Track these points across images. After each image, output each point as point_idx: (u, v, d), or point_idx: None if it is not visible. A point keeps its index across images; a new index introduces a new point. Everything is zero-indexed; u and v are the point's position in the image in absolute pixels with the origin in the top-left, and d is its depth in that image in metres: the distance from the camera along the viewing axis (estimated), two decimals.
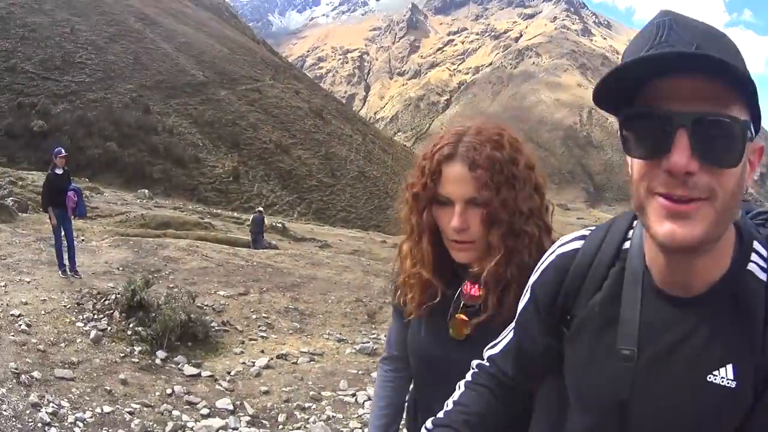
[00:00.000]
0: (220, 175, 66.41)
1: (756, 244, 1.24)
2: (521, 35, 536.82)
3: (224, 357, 8.67)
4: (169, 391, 7.00)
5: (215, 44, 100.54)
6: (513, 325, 1.58)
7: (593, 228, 1.47)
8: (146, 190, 46.25)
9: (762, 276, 1.21)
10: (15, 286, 10.20)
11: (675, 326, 1.25)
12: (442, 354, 1.89)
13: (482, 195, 1.68)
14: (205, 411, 6.71)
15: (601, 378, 1.33)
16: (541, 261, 1.52)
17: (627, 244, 1.36)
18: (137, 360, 7.72)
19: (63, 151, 12.63)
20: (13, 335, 7.86)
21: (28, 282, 10.60)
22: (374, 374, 8.27)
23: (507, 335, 1.60)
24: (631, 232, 1.37)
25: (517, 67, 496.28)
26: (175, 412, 6.52)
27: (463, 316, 1.83)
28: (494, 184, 1.68)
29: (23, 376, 6.73)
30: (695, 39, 1.05)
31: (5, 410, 5.82)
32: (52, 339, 8.19)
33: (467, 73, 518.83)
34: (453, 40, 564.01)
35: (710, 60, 0.99)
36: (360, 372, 8.69)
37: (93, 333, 8.47)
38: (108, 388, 6.81)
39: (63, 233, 11.81)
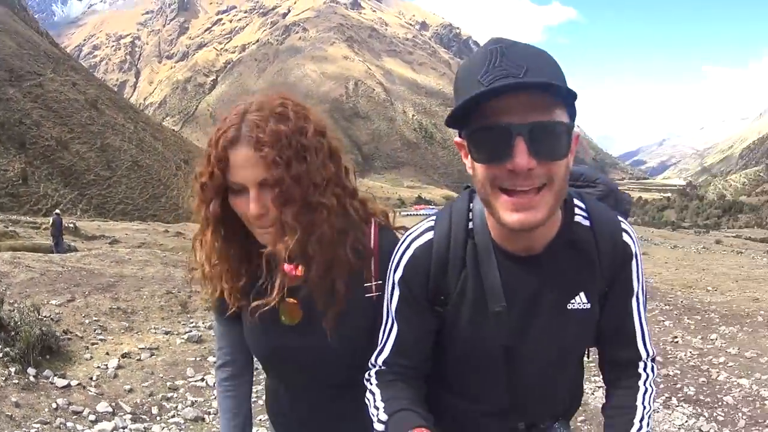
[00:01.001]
0: (11, 179, 66.45)
1: (576, 201, 1.61)
2: (289, 11, 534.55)
3: (79, 364, 8.88)
4: (54, 405, 7.18)
5: (6, 40, 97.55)
6: (389, 325, 1.70)
7: (434, 217, 1.68)
8: None
9: (586, 223, 1.60)
10: None
11: (531, 279, 1.56)
12: (280, 343, 1.86)
13: (273, 174, 1.60)
14: (92, 417, 7.00)
15: (486, 334, 1.60)
16: (397, 257, 1.67)
17: (471, 224, 1.61)
18: (17, 381, 7.77)
19: None
20: None
21: None
22: (211, 359, 8.89)
23: (387, 336, 1.70)
24: (470, 213, 1.61)
25: (283, 43, 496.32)
26: (69, 424, 6.77)
27: (292, 300, 1.79)
28: (284, 161, 1.61)
29: None
30: (524, 61, 1.28)
31: None
32: None
33: (234, 52, 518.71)
34: (221, 20, 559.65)
35: (539, 84, 1.26)
36: (198, 358, 9.22)
37: None
38: (8, 413, 6.89)
39: None
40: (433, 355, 1.74)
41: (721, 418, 6.76)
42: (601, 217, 1.62)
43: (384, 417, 1.60)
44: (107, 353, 9.34)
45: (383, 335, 1.71)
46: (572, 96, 1.32)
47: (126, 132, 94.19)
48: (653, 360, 1.77)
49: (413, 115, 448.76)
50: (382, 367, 1.71)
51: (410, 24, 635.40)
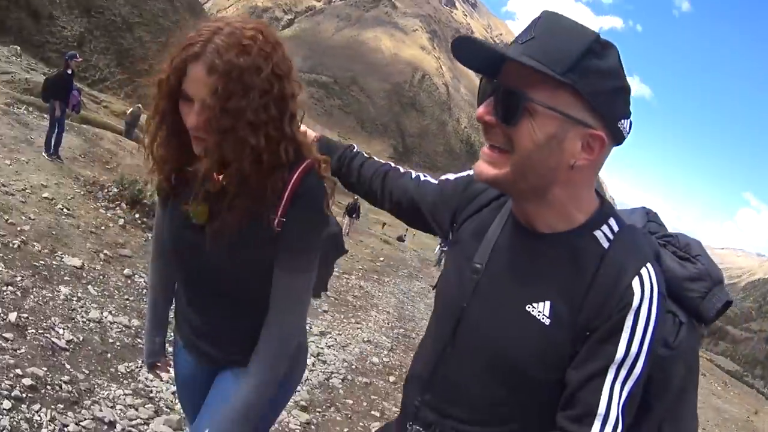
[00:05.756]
0: (67, 39, 61.32)
1: (612, 220, 1.49)
2: None
3: None
4: None
5: None
6: (424, 178, 1.97)
7: None
8: (17, 47, 40.50)
9: (605, 244, 1.45)
10: (18, 166, 10.60)
11: (517, 251, 1.54)
12: (185, 237, 1.96)
13: (211, 99, 1.66)
14: None
15: (455, 284, 1.63)
16: (466, 172, 1.81)
17: None
18: None
19: (78, 56, 14.61)
20: (64, 218, 8.71)
21: (26, 162, 11.05)
22: None
23: (424, 179, 1.98)
24: None
25: (369, 11, 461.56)
26: None
27: (204, 203, 1.87)
28: (225, 92, 1.66)
29: (101, 254, 7.91)
30: (538, 32, 1.34)
31: (111, 284, 7.09)
32: (93, 223, 9.11)
33: (319, 0, 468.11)
34: None
35: (500, 54, 1.35)
36: None
37: (121, 221, 9.84)
38: None
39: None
40: None
41: None
42: (623, 247, 1.45)
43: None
44: None
45: (420, 176, 1.98)
46: (568, 82, 1.32)
47: None
48: None
49: (465, 127, 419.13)
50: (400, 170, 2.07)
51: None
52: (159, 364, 2.43)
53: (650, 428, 1.49)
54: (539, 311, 1.44)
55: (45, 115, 16.44)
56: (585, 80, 1.32)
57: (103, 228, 9.26)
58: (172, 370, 2.41)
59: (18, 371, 4.33)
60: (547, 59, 1.30)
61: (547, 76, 1.30)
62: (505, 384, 1.51)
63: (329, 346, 8.54)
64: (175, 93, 1.75)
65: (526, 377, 1.46)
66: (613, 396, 1.36)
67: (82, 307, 6.08)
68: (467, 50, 1.42)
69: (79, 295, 6.35)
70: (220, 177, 1.81)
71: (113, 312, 6.29)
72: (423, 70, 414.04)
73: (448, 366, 1.62)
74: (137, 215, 10.60)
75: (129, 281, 7.50)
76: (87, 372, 4.84)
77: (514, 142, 1.37)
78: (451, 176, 1.90)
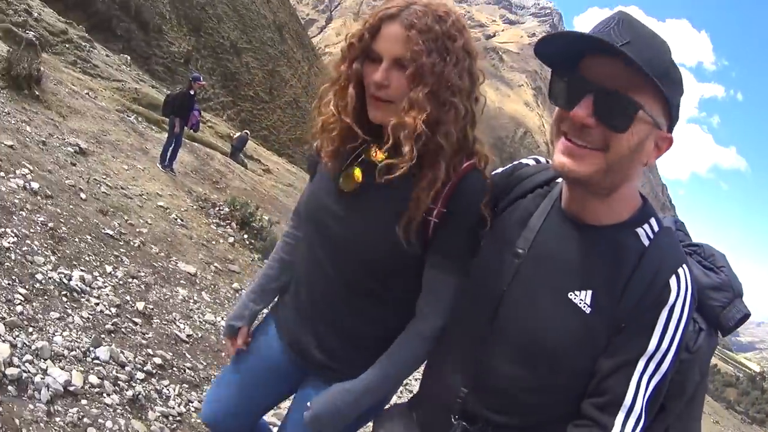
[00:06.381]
0: (174, 54, 61.77)
1: (653, 220, 1.56)
2: (494, 35, 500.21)
3: None
4: None
5: None
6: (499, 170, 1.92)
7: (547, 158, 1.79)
8: (128, 57, 40.89)
9: (645, 241, 1.51)
10: (135, 172, 11.26)
11: (562, 240, 1.57)
12: (324, 202, 1.92)
13: (412, 53, 1.67)
14: None
15: (495, 269, 1.64)
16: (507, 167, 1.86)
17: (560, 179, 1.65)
18: (260, 266, 8.20)
19: (201, 79, 15.78)
20: (178, 228, 9.29)
21: (142, 170, 11.70)
22: None
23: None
24: None
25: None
26: None
27: (357, 171, 1.85)
28: (425, 47, 1.67)
29: (212, 265, 8.48)
30: (630, 36, 1.35)
31: (222, 294, 7.56)
32: (205, 237, 9.57)
33: None
34: None
35: (615, 51, 1.32)
36: None
37: (231, 239, 10.42)
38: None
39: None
40: None
41: None
42: (662, 247, 1.52)
43: None
44: None
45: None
46: (663, 87, 1.35)
47: (299, 69, 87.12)
48: None
49: None
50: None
51: None
52: (238, 335, 2.24)
53: (659, 428, 1.56)
54: (581, 299, 1.49)
55: (153, 126, 17.89)
56: (671, 88, 1.39)
57: (213, 242, 9.82)
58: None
59: (149, 351, 4.77)
60: (647, 65, 1.32)
61: (646, 82, 1.34)
62: (538, 370, 1.54)
63: (416, 380, 8.56)
64: (365, 53, 1.78)
65: (561, 364, 1.51)
66: (639, 388, 1.43)
67: (198, 309, 6.58)
68: (554, 41, 1.47)
69: (195, 298, 6.87)
70: (377, 148, 1.82)
71: (224, 318, 6.54)
72: (525, 126, 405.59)
73: (485, 352, 1.61)
74: (245, 236, 11.25)
75: (237, 294, 7.88)
76: (205, 363, 5.27)
77: (611, 144, 1.41)
78: (499, 170, 1.91)
